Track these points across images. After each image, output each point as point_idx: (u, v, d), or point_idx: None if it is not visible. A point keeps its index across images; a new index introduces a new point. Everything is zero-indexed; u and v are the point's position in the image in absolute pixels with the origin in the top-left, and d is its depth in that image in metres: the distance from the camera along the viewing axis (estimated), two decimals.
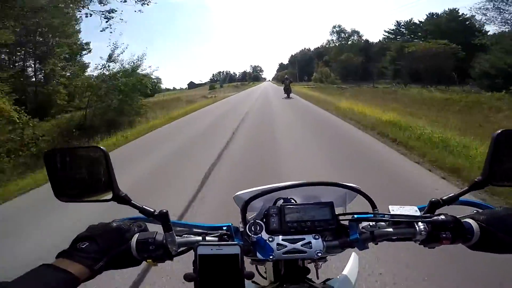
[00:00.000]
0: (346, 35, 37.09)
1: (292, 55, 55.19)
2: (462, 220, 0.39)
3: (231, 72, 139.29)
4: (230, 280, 0.34)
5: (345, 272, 0.56)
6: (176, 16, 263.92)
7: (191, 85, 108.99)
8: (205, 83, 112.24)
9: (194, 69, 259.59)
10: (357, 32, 36.71)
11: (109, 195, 0.39)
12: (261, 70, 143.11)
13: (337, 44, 37.73)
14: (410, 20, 28.95)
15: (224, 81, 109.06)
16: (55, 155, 0.41)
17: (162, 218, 0.39)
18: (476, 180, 0.39)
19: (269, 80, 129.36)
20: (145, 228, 0.42)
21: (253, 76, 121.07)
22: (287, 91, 12.15)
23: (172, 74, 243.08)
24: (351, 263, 0.59)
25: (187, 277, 0.34)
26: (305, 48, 51.91)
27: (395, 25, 29.90)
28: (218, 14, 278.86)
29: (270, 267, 0.50)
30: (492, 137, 0.38)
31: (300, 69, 42.72)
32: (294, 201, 0.49)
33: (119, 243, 0.37)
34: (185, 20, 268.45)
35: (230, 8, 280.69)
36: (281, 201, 0.48)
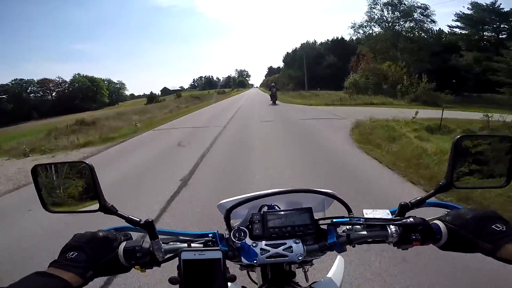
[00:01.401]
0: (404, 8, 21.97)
1: (287, 53, 45.58)
2: (430, 222, 0.48)
3: (214, 78, 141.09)
4: (213, 283, 0.42)
5: (329, 274, 0.67)
6: (161, 20, 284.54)
7: (165, 92, 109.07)
8: (180, 89, 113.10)
9: (174, 74, 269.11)
10: (425, 7, 21.79)
11: (96, 206, 0.48)
12: (248, 75, 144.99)
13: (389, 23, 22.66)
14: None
15: (204, 88, 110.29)
16: (42, 169, 0.50)
17: (148, 226, 0.48)
18: (440, 183, 0.50)
19: (256, 87, 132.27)
20: (130, 237, 0.50)
21: (239, 82, 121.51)
22: (273, 97, 15.82)
23: (147, 79, 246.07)
24: (336, 266, 0.70)
25: (172, 281, 0.42)
26: (308, 42, 39.74)
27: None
28: (205, 17, 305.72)
29: (259, 273, 0.59)
30: (452, 141, 0.49)
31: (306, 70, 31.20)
32: (278, 208, 0.59)
33: (107, 252, 0.45)
34: (170, 23, 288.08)
35: (217, 11, 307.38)
36: (266, 208, 0.58)
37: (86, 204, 0.49)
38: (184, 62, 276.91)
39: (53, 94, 56.10)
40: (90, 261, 0.43)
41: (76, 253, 0.43)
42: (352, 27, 24.95)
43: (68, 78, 58.86)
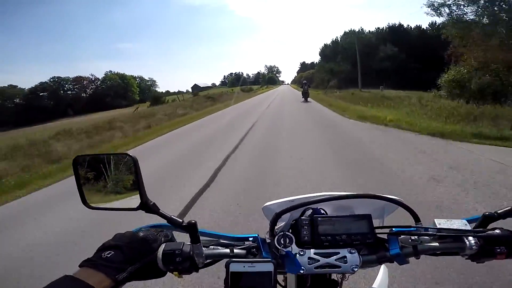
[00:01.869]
0: None
1: (325, 45, 42.11)
2: None
3: (244, 74, 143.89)
4: None
5: (375, 285, 0.63)
6: (195, 18, 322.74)
7: (195, 88, 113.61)
8: (211, 86, 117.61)
9: (206, 72, 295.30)
10: None
11: (137, 203, 0.48)
12: (278, 72, 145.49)
13: None
14: None
15: (233, 84, 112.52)
16: (84, 161, 0.52)
17: (190, 229, 0.47)
18: None
19: (288, 84, 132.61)
20: (171, 238, 0.50)
21: (268, 78, 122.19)
22: (305, 95, 16.84)
23: (182, 77, 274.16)
24: (381, 276, 0.66)
25: None
26: (353, 30, 34.45)
27: None
28: (235, 15, 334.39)
29: (292, 278, 0.56)
30: None
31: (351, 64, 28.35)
32: (324, 212, 0.55)
33: (145, 253, 0.45)
34: (202, 21, 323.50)
35: (248, 9, 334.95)
36: (310, 211, 0.54)
37: (128, 200, 0.49)
38: (216, 60, 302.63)
39: (87, 91, 61.18)
40: (126, 262, 0.42)
41: (113, 252, 0.43)
42: (431, 6, 16.17)
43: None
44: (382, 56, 28.77)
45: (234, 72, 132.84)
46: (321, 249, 0.47)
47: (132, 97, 62.86)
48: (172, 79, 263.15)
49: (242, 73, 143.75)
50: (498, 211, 0.46)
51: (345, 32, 37.55)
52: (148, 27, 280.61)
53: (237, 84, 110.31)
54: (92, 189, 0.51)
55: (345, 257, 0.46)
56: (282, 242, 0.47)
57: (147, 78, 79.18)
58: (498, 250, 0.43)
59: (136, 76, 73.79)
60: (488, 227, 0.46)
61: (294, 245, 0.47)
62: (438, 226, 0.47)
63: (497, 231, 0.45)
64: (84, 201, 0.51)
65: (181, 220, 0.48)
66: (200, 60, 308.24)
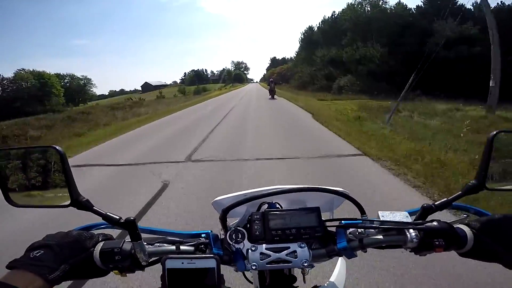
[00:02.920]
0: None
1: (309, 28, 38.91)
2: (455, 226, 0.52)
3: (208, 71, 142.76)
4: None
5: (332, 278, 0.71)
6: (161, 14, 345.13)
7: (146, 87, 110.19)
8: (165, 85, 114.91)
9: (171, 69, 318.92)
10: None
11: (68, 200, 0.50)
12: (247, 69, 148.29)
13: None
14: None
15: (191, 83, 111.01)
16: (3, 156, 0.53)
17: (129, 226, 0.50)
18: (470, 184, 0.54)
19: (256, 82, 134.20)
20: (110, 237, 0.53)
21: (234, 76, 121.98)
22: (272, 92, 20.16)
23: (140, 74, 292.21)
24: (338, 269, 0.75)
25: None
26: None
27: None
28: (205, 12, 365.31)
29: (256, 275, 0.62)
30: (487, 138, 0.52)
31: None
32: (279, 206, 0.62)
33: (79, 252, 0.48)
34: (169, 17, 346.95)
35: (219, 6, 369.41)
36: (266, 206, 0.61)
37: (58, 197, 0.51)
38: (182, 57, 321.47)
39: None
40: (58, 261, 0.45)
41: (42, 251, 0.45)
42: None
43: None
44: (451, 37, 15.93)
45: (196, 69, 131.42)
46: (272, 244, 0.52)
47: (55, 100, 57.29)
48: (131, 76, 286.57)
49: (205, 70, 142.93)
50: (436, 203, 0.55)
51: (348, 4, 28.36)
52: (109, 23, 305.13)
53: (197, 83, 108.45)
54: (17, 185, 0.52)
55: (295, 251, 0.51)
56: (234, 237, 0.53)
57: (80, 76, 73.40)
58: (437, 242, 0.50)
59: (66, 74, 68.34)
60: (427, 219, 0.54)
61: (246, 241, 0.52)
62: (382, 219, 0.54)
63: (435, 223, 0.51)
64: (8, 199, 0.51)
65: (118, 217, 0.51)
66: (164, 57, 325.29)
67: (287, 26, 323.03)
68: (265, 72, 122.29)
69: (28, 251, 0.46)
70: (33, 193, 0.53)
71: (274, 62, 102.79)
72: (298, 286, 0.60)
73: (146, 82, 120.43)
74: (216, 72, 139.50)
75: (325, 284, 0.69)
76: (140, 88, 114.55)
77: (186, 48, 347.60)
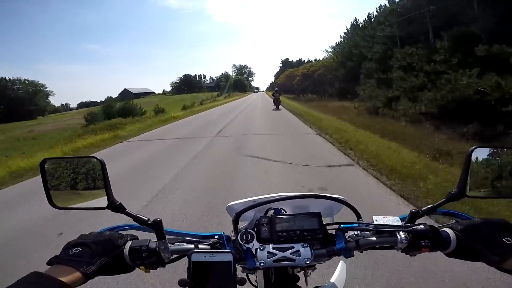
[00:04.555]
0: None
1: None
2: (440, 230, 0.75)
3: (206, 77, 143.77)
4: (223, 286, 0.67)
5: (332, 279, 0.97)
6: (172, 22, 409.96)
7: (125, 95, 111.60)
8: (151, 92, 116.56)
9: (170, 78, 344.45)
10: None
11: (104, 203, 0.76)
12: (251, 74, 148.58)
13: None
14: None
15: (179, 90, 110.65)
16: (51, 164, 0.79)
17: (156, 226, 0.75)
18: (452, 192, 0.79)
19: (263, 91, 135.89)
20: (136, 236, 0.77)
21: (234, 82, 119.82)
22: (276, 102, 24.07)
23: (149, 80, 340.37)
24: (338, 271, 1.01)
25: (182, 283, 0.68)
26: None
27: None
28: (214, 20, 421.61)
29: (261, 276, 0.86)
30: (467, 152, 0.78)
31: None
32: (284, 211, 0.88)
33: (112, 249, 0.71)
34: (179, 25, 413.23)
35: (227, 14, 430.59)
36: (272, 211, 0.87)
37: (95, 201, 0.77)
38: (191, 66, 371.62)
39: None
40: (94, 256, 0.66)
41: (80, 249, 0.66)
42: None
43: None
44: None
45: (186, 74, 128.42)
46: (278, 244, 0.77)
47: None
48: (140, 83, 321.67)
49: (204, 75, 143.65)
50: (423, 209, 0.80)
51: None
52: (121, 29, 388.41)
53: (186, 90, 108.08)
54: (60, 190, 0.78)
55: (298, 251, 0.75)
56: (245, 238, 0.77)
57: (27, 81, 72.88)
58: (423, 243, 0.72)
59: (17, 79, 67.64)
60: (416, 223, 0.78)
61: (255, 241, 0.77)
62: (375, 222, 0.79)
63: (422, 226, 0.74)
64: (51, 202, 0.77)
65: (146, 218, 0.76)
66: (171, 66, 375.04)
67: (298, 29, 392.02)
68: (273, 80, 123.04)
69: (66, 249, 0.67)
70: (74, 197, 0.78)
71: (287, 64, 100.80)
72: (300, 286, 0.85)
73: (125, 89, 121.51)
74: (215, 78, 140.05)
75: (325, 284, 0.95)
76: (118, 96, 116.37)
77: (194, 57, 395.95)
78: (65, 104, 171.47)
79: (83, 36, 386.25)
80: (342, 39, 38.73)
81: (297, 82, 46.77)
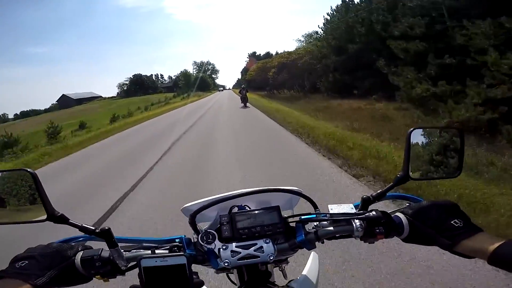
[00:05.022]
0: None
1: None
2: (393, 215, 0.80)
3: (164, 77, 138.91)
4: None
5: (304, 272, 1.05)
6: (126, 21, 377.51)
7: (64, 101, 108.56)
8: (97, 96, 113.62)
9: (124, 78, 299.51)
10: None
11: (44, 215, 0.77)
12: (215, 71, 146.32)
13: None
14: None
15: (128, 93, 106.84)
16: None
17: (105, 235, 0.77)
18: (398, 176, 0.85)
19: (229, 88, 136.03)
20: (89, 247, 0.79)
21: (198, 80, 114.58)
22: (244, 100, 23.97)
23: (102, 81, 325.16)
24: (310, 262, 1.09)
25: None
26: None
27: None
28: (174, 19, 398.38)
29: (236, 275, 0.92)
30: (407, 134, 0.84)
31: None
32: (248, 208, 0.93)
33: (61, 260, 0.72)
34: (135, 24, 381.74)
35: (188, 12, 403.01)
36: (236, 209, 0.92)
37: (34, 214, 0.78)
38: (150, 66, 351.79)
39: None
40: (43, 268, 0.68)
41: (27, 262, 0.68)
42: None
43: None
44: None
45: (137, 74, 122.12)
46: (241, 242, 0.81)
47: None
48: (89, 86, 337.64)
49: (162, 75, 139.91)
50: (373, 194, 0.87)
51: None
52: (69, 30, 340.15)
53: (138, 93, 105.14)
54: None
55: (261, 247, 0.79)
56: (205, 239, 0.81)
57: None
58: (378, 230, 0.77)
59: None
60: (369, 210, 0.84)
61: (217, 241, 0.81)
62: (331, 211, 0.85)
63: (373, 212, 0.79)
64: None
65: (93, 228, 0.78)
66: (129, 65, 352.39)
67: (263, 24, 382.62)
68: (240, 77, 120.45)
69: (13, 263, 0.69)
70: (8, 211, 0.79)
71: (256, 58, 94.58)
72: (275, 281, 0.91)
73: (63, 95, 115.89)
74: (173, 77, 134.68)
75: (298, 278, 1.02)
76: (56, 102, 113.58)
77: (154, 57, 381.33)
78: (2, 114, 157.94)
79: (26, 37, 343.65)
80: (330, 18, 28.13)
81: (273, 75, 38.62)
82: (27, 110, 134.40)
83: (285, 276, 1.04)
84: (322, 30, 30.17)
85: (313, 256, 1.17)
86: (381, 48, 17.16)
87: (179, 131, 14.27)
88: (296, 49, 45.67)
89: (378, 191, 0.88)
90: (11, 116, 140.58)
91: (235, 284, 0.99)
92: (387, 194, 0.88)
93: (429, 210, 0.79)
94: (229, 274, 1.05)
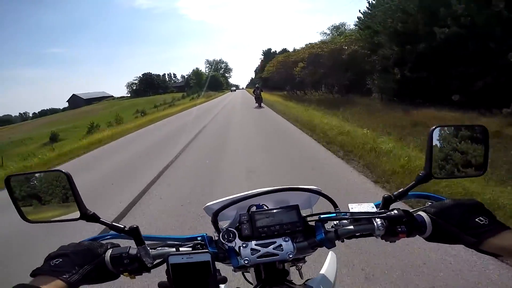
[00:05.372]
0: None
1: None
2: (415, 214, 0.85)
3: (177, 76, 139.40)
4: (204, 286, 0.76)
5: (322, 271, 1.10)
6: (141, 22, 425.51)
7: (74, 101, 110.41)
8: (103, 97, 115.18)
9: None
10: None
11: (77, 214, 0.85)
12: (228, 69, 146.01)
13: None
14: None
15: (138, 93, 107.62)
16: (16, 180, 0.88)
17: (133, 233, 0.85)
18: (420, 174, 0.90)
19: (242, 88, 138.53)
20: (117, 244, 0.87)
21: (210, 79, 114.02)
22: (258, 100, 23.91)
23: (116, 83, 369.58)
24: (328, 262, 1.14)
25: (162, 285, 0.77)
26: None
27: None
28: (188, 19, 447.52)
29: (253, 273, 0.98)
30: (429, 132, 0.88)
31: None
32: (266, 207, 1.00)
33: (92, 258, 0.80)
34: (150, 25, 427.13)
35: (201, 13, 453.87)
36: (254, 207, 0.99)
37: (67, 213, 0.86)
38: (165, 66, 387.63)
39: None
40: (76, 266, 0.75)
41: (61, 259, 0.76)
42: None
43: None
44: None
45: (147, 73, 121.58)
46: (260, 240, 0.87)
47: None
48: (103, 86, 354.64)
49: (175, 74, 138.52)
50: (394, 193, 0.91)
51: None
52: (87, 31, 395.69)
53: (148, 92, 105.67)
54: (29, 205, 0.87)
55: (281, 245, 0.85)
56: (226, 237, 0.88)
57: None
58: (399, 229, 0.82)
59: None
60: (390, 209, 0.88)
61: (237, 239, 0.88)
62: (351, 210, 0.90)
63: (395, 211, 0.84)
64: (23, 216, 0.86)
65: (122, 226, 0.86)
66: (144, 65, 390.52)
67: (276, 23, 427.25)
68: (253, 76, 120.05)
69: (47, 261, 0.77)
70: (45, 210, 0.88)
71: (269, 56, 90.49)
72: (291, 280, 0.96)
73: (74, 95, 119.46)
74: (186, 76, 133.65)
75: (316, 277, 1.08)
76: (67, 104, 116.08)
77: (168, 57, 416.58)
78: (23, 113, 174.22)
79: (47, 38, 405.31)
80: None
81: (299, 72, 29.26)
82: (46, 109, 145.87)
83: (301, 275, 1.10)
84: (365, 15, 22.39)
85: (331, 256, 1.23)
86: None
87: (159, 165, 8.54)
88: (331, 38, 36.56)
89: (400, 190, 0.92)
90: (30, 114, 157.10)
91: (251, 283, 1.05)
92: (409, 193, 0.92)
93: (452, 208, 0.82)
94: (245, 273, 1.11)
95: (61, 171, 0.87)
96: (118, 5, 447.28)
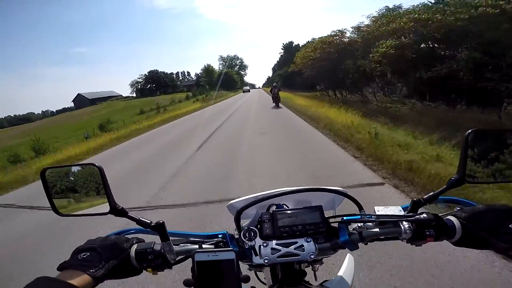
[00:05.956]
0: None
1: None
2: (444, 218, 0.90)
3: (191, 74, 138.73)
4: (227, 284, 0.82)
5: (340, 273, 1.16)
6: (160, 22, 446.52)
7: (80, 101, 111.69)
8: (109, 96, 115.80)
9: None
10: None
11: (106, 208, 0.94)
12: (243, 67, 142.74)
13: None
14: None
15: (143, 93, 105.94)
16: (51, 173, 0.98)
17: (159, 228, 0.92)
18: (452, 178, 0.94)
19: (259, 87, 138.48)
20: (142, 239, 0.95)
21: (221, 76, 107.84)
22: (276, 99, 25.03)
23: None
24: (346, 264, 1.21)
25: (187, 283, 0.83)
26: None
27: None
28: (205, 18, 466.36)
29: (268, 273, 1.04)
30: (464, 136, 0.92)
31: None
32: (286, 207, 1.06)
33: (118, 253, 0.87)
34: (168, 25, 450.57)
35: (218, 12, 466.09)
36: (274, 207, 1.06)
37: (97, 207, 0.95)
38: (183, 65, 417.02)
39: None
40: (102, 260, 0.82)
41: (88, 253, 0.83)
42: None
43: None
44: None
45: (153, 70, 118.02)
46: (281, 240, 0.94)
47: None
48: (122, 81, 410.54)
49: (189, 72, 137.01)
50: (424, 197, 0.96)
51: None
52: (106, 30, 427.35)
53: (155, 92, 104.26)
54: (62, 198, 0.97)
55: (302, 245, 0.92)
56: (247, 235, 0.95)
57: None
58: (428, 233, 0.86)
59: None
60: (418, 212, 0.93)
61: (258, 238, 0.95)
62: (377, 213, 0.96)
63: (425, 215, 0.88)
64: (55, 209, 0.96)
65: (149, 221, 0.94)
66: (162, 64, 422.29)
67: (293, 22, 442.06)
68: (271, 74, 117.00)
69: (75, 254, 0.84)
70: (77, 204, 0.97)
71: (291, 50, 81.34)
72: (308, 281, 1.03)
73: (79, 94, 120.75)
74: (199, 74, 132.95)
75: (333, 278, 1.15)
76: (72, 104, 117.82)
77: (186, 56, 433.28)
78: (46, 110, 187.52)
79: (71, 37, 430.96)
80: None
81: (379, 56, 15.84)
82: (67, 107, 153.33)
83: (316, 277, 1.16)
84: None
85: (348, 258, 1.30)
86: None
87: None
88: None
89: (430, 194, 0.96)
90: (54, 111, 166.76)
91: (264, 283, 1.12)
92: (439, 197, 0.96)
93: (484, 213, 0.87)
94: (257, 273, 1.17)
95: (94, 165, 0.95)
96: (138, 5, 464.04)
